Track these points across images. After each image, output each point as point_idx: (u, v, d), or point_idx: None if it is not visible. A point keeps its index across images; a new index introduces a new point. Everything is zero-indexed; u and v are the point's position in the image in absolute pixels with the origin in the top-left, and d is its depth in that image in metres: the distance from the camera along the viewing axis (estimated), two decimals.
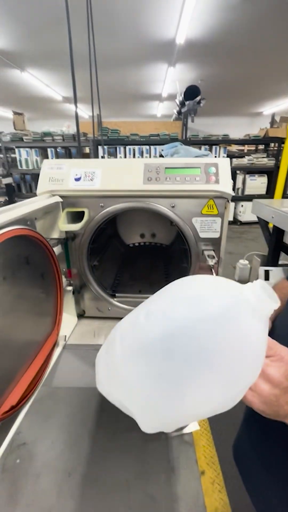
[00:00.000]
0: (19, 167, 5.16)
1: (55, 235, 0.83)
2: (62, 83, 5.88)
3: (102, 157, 4.85)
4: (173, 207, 0.80)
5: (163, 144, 2.39)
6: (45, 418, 2.01)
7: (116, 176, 0.79)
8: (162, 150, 1.14)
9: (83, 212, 0.82)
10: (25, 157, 5.08)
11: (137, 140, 5.12)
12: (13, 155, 5.31)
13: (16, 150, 5.12)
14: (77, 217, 0.83)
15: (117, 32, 3.68)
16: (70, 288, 0.91)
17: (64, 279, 0.91)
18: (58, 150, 5.28)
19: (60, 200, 0.78)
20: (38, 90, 6.14)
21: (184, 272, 0.94)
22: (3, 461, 1.60)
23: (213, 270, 0.85)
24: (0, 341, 0.53)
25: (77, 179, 0.78)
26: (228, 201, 0.77)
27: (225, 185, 0.75)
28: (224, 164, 0.77)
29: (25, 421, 1.98)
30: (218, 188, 0.75)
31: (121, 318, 0.97)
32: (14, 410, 0.56)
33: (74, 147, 5.23)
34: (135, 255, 1.36)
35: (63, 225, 0.78)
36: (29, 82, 5.60)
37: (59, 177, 0.79)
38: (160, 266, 1.24)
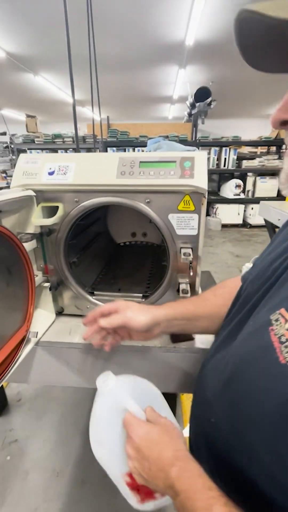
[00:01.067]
0: None
1: (30, 229, 0.82)
2: (74, 86, 5.98)
3: None
4: (148, 202, 0.77)
5: None
6: (38, 416, 2.01)
7: (89, 170, 0.77)
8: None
9: (57, 209, 0.81)
10: None
11: (146, 142, 5.13)
12: None
13: (28, 151, 5.25)
14: (53, 212, 0.82)
15: (126, 34, 3.71)
16: (47, 284, 0.90)
17: (41, 275, 0.90)
18: (68, 152, 5.37)
19: (33, 194, 0.77)
20: (51, 93, 6.29)
21: (163, 271, 0.91)
22: None
23: (191, 269, 0.82)
24: None
25: (51, 173, 0.77)
26: (204, 196, 0.74)
27: (200, 180, 0.72)
28: (200, 158, 0.74)
29: (18, 418, 1.96)
30: (192, 183, 0.72)
31: None
32: None
33: (84, 149, 5.30)
34: (124, 254, 1.34)
35: (36, 220, 0.77)
36: (42, 86, 5.75)
37: (33, 171, 0.78)
38: (147, 265, 1.21)
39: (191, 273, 0.81)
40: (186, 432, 1.71)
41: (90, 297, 0.93)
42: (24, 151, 5.47)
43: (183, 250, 0.80)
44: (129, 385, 0.52)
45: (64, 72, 5.31)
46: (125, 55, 4.39)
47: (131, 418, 0.45)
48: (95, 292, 0.95)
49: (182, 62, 4.61)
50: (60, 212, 0.80)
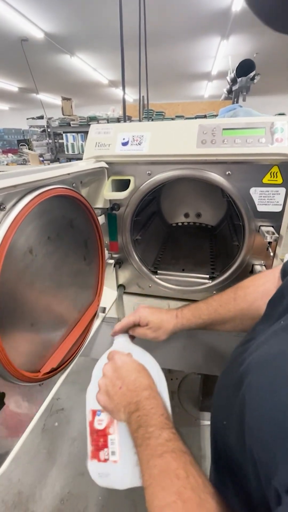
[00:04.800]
0: (66, 152, 5.34)
1: (99, 204, 0.80)
2: (109, 66, 5.85)
3: None
4: (228, 175, 0.71)
5: None
6: (82, 389, 2.09)
7: (166, 140, 0.72)
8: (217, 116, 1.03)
9: (128, 182, 0.78)
10: (71, 142, 5.22)
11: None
12: (60, 141, 5.50)
13: (64, 135, 5.28)
14: (122, 186, 0.79)
15: (166, 4, 3.48)
16: (111, 261, 0.89)
17: (106, 252, 0.89)
18: None
19: (106, 166, 0.74)
20: (86, 74, 6.21)
21: (234, 252, 0.85)
22: (44, 422, 1.72)
23: (269, 249, 0.75)
24: (44, 303, 0.52)
25: (124, 144, 0.73)
26: None
27: None
28: None
29: (64, 389, 2.08)
30: (286, 151, 0.64)
31: (162, 297, 0.92)
32: (54, 372, 0.55)
33: None
34: (177, 235, 1.29)
35: (108, 193, 0.75)
36: (77, 67, 5.69)
37: (105, 142, 0.75)
38: (205, 246, 1.15)
39: (271, 254, 0.74)
40: None
41: (153, 276, 0.90)
42: (59, 134, 5.52)
43: (262, 229, 0.73)
44: (136, 350, 0.59)
45: (100, 52, 5.20)
46: (164, 29, 4.14)
47: (119, 352, 0.52)
48: (158, 271, 0.92)
49: (225, 32, 4.26)
50: (131, 186, 0.76)
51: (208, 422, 1.64)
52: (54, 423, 1.66)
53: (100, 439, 0.49)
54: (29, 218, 0.44)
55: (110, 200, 0.81)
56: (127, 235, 0.86)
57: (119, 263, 0.90)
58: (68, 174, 0.54)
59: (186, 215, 1.36)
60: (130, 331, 0.66)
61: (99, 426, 0.50)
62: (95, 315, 0.75)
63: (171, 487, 0.31)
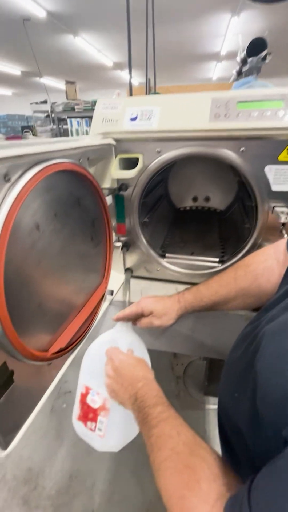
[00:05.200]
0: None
1: (106, 184, 0.78)
2: (114, 47, 5.64)
3: None
4: (242, 152, 0.67)
5: None
6: None
7: (177, 114, 0.68)
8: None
9: (136, 160, 0.75)
10: (76, 127, 5.12)
11: None
12: (65, 126, 5.39)
13: (68, 120, 5.17)
14: (130, 166, 0.76)
15: None
16: (118, 244, 0.87)
17: (113, 235, 0.87)
18: None
19: (113, 142, 0.71)
20: (90, 56, 6.01)
21: (245, 235, 0.82)
22: (52, 403, 1.76)
23: (283, 231, 0.72)
24: (51, 284, 0.51)
25: (133, 119, 0.70)
26: None
27: None
28: None
29: (71, 372, 2.12)
30: None
31: (170, 281, 0.91)
32: (63, 352, 0.55)
33: None
34: (186, 220, 1.26)
35: (116, 172, 0.72)
36: (81, 49, 5.50)
37: (113, 117, 0.71)
38: (214, 230, 1.12)
39: (284, 236, 0.72)
40: None
41: (161, 260, 0.88)
42: (64, 120, 5.41)
43: (277, 209, 0.70)
44: (135, 340, 0.63)
45: (104, 32, 4.99)
46: (172, 5, 3.93)
47: (115, 349, 0.56)
48: (166, 255, 0.90)
49: (236, 8, 4.03)
50: (139, 165, 0.73)
51: (213, 406, 1.67)
52: (62, 404, 1.70)
53: (90, 413, 0.57)
54: (36, 192, 0.42)
55: (117, 181, 0.78)
56: (134, 217, 0.84)
57: (126, 246, 0.88)
58: (75, 148, 0.52)
59: (195, 199, 1.33)
60: (137, 323, 0.66)
61: (91, 403, 0.57)
62: (102, 298, 0.74)
63: (166, 446, 0.36)
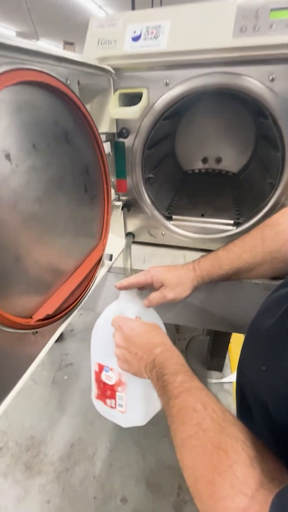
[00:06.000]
0: None
1: (104, 128, 0.65)
2: (115, 1, 5.11)
3: None
4: (272, 80, 0.54)
5: None
6: (90, 347, 2.05)
7: (191, 30, 0.54)
8: None
9: (140, 97, 0.61)
10: None
11: None
12: None
13: None
14: (132, 104, 0.63)
15: None
16: (118, 203, 0.76)
17: (112, 192, 0.76)
18: None
19: (111, 70, 0.58)
20: (90, 14, 5.47)
21: (266, 192, 0.70)
22: (54, 375, 1.75)
23: None
24: (33, 235, 0.41)
25: (136, 38, 0.56)
26: None
27: None
28: None
29: (72, 345, 2.08)
30: None
31: (177, 247, 0.81)
32: (50, 320, 0.47)
33: None
34: (194, 183, 1.13)
35: (115, 109, 0.59)
36: (80, 5, 5.00)
37: (111, 37, 0.57)
38: (227, 193, 1.00)
39: None
40: (234, 377, 1.62)
41: (167, 222, 0.78)
42: None
43: None
44: (143, 307, 0.57)
45: None
46: None
47: (122, 317, 0.52)
48: (173, 217, 0.79)
49: None
50: (143, 101, 0.60)
51: (216, 381, 1.65)
52: (63, 376, 1.70)
53: (107, 390, 0.55)
54: (1, 105, 0.31)
55: (117, 124, 0.66)
56: (137, 172, 0.72)
57: (127, 206, 0.77)
58: (58, 58, 0.39)
59: (204, 160, 1.19)
60: (147, 301, 0.57)
61: (107, 380, 0.54)
62: (99, 262, 0.64)
63: (191, 421, 0.32)
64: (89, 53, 0.58)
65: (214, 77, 0.56)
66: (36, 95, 0.37)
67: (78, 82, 0.47)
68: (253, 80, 0.54)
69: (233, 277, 0.56)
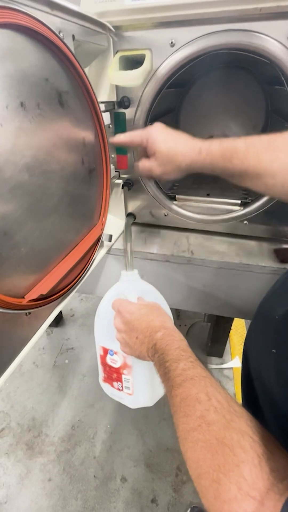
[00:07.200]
0: None
1: (103, 97, 0.60)
2: None
3: None
4: None
5: None
6: (90, 331, 2.09)
7: None
8: None
9: (142, 60, 0.56)
10: None
11: None
12: None
13: None
14: (134, 67, 0.57)
15: None
16: (119, 181, 0.72)
17: (112, 168, 0.71)
18: None
19: (110, 27, 0.52)
20: None
21: None
22: (55, 359, 1.76)
23: None
24: (22, 206, 0.37)
25: None
26: None
27: None
28: None
29: (73, 331, 2.08)
30: None
31: (180, 229, 0.77)
32: (45, 301, 0.44)
33: None
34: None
35: (115, 73, 0.54)
36: None
37: None
38: None
39: None
40: (234, 363, 1.60)
41: (170, 202, 0.74)
42: None
43: None
44: (145, 288, 0.57)
45: None
46: None
47: (122, 300, 0.50)
48: (177, 196, 0.74)
49: None
50: (146, 64, 0.54)
51: (216, 366, 1.65)
52: (64, 360, 1.71)
53: (113, 373, 0.55)
54: None
55: (117, 93, 0.60)
56: (139, 148, 0.67)
57: (128, 185, 0.73)
58: (50, 3, 0.34)
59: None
60: (135, 166, 0.51)
61: (112, 363, 0.55)
62: (98, 242, 0.61)
63: (194, 412, 0.30)
64: (86, 8, 0.52)
65: (226, 35, 0.50)
66: (23, 44, 0.33)
67: (73, 37, 0.42)
68: (270, 40, 0.49)
69: (240, 180, 0.45)
